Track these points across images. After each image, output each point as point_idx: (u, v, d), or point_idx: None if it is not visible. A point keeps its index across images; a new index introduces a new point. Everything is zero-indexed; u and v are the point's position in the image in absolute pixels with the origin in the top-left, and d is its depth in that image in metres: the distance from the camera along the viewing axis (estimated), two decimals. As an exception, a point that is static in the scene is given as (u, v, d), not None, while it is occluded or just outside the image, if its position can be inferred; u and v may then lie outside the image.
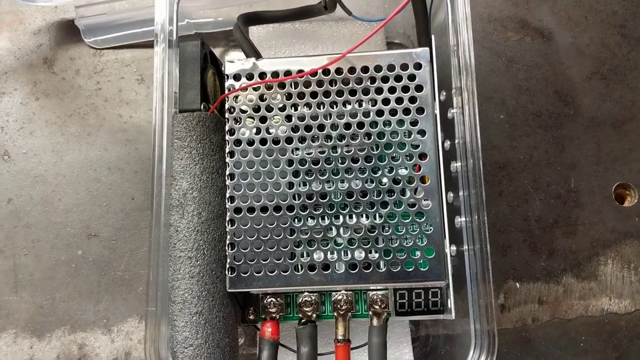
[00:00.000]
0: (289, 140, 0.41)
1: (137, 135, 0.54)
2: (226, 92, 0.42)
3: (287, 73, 0.42)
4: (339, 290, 0.42)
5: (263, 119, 0.42)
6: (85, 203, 0.53)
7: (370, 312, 0.42)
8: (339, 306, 0.42)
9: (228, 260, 0.41)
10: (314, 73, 0.42)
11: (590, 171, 0.54)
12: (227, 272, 0.41)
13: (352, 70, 0.42)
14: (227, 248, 0.41)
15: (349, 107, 0.41)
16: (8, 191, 0.54)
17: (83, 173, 0.54)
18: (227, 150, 0.42)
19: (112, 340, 0.51)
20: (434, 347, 0.48)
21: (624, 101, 0.55)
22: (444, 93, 0.44)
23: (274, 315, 0.43)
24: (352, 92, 0.42)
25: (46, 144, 0.55)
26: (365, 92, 0.41)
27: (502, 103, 0.55)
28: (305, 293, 0.42)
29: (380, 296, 0.42)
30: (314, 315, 0.42)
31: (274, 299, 0.43)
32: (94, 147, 0.54)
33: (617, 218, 0.53)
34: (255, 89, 0.42)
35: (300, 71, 0.42)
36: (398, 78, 0.41)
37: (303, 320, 0.42)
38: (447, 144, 0.43)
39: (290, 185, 0.41)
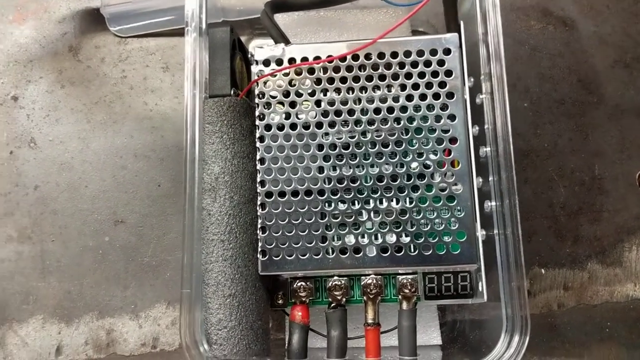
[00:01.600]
0: (319, 125, 0.42)
1: (163, 123, 0.55)
2: (255, 77, 0.43)
3: (316, 59, 0.42)
4: (369, 275, 0.42)
5: (293, 104, 0.42)
6: (112, 190, 0.54)
7: (400, 296, 0.42)
8: (368, 290, 0.42)
9: (260, 244, 0.41)
10: (343, 59, 0.42)
11: (615, 158, 0.54)
12: (259, 256, 0.41)
13: (381, 55, 0.42)
14: (258, 232, 0.41)
15: (378, 92, 0.42)
16: (35, 178, 0.54)
17: (109, 160, 0.54)
18: (257, 135, 0.42)
19: (140, 326, 0.51)
20: (460, 332, 0.48)
21: (648, 89, 0.55)
22: (472, 79, 0.44)
23: (303, 299, 0.43)
24: (382, 77, 0.42)
25: (72, 132, 0.55)
26: (395, 77, 0.42)
27: (525, 91, 0.55)
28: (335, 277, 0.43)
29: (409, 280, 0.42)
30: (344, 299, 0.43)
31: (303, 284, 0.43)
32: (120, 134, 0.55)
33: (641, 205, 0.53)
34: (284, 75, 0.42)
35: (329, 56, 0.42)
36: (427, 63, 0.42)
37: (333, 304, 0.43)
38: (475, 129, 0.43)
39: (321, 169, 0.41)
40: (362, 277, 0.43)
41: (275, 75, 0.42)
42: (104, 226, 0.53)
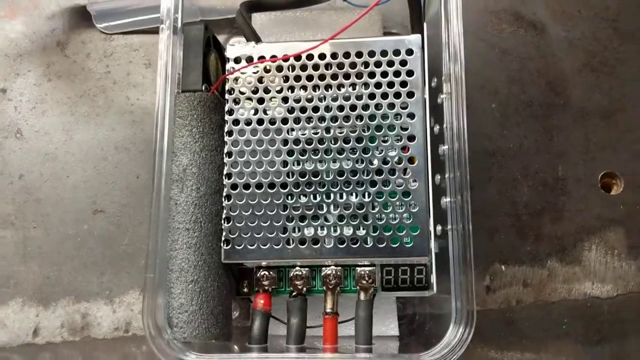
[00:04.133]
0: (284, 121, 0.43)
1: (143, 117, 0.56)
2: (227, 71, 0.44)
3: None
4: (329, 265, 0.44)
5: (261, 101, 0.44)
6: (93, 180, 0.55)
7: (358, 287, 0.44)
8: (328, 280, 0.44)
9: (224, 233, 0.42)
10: (310, 57, 0.43)
11: (578, 160, 0.55)
12: (222, 244, 0.42)
13: (346, 55, 0.43)
14: (223, 222, 0.42)
15: (342, 90, 0.43)
16: (20, 167, 0.56)
17: (91, 152, 0.56)
18: (226, 129, 0.43)
19: (114, 311, 0.53)
20: (420, 324, 0.49)
21: (614, 93, 0.56)
22: (435, 80, 0.45)
23: (266, 288, 0.44)
24: (346, 76, 0.43)
25: (57, 124, 0.57)
26: (359, 76, 0.43)
27: (494, 93, 0.56)
28: (297, 267, 0.44)
29: (367, 272, 0.44)
30: (305, 288, 0.44)
31: (267, 273, 0.44)
32: (102, 127, 0.56)
33: (603, 206, 0.54)
34: (254, 72, 0.44)
35: (284, 55, 0.43)
36: (390, 63, 0.43)
37: (294, 293, 0.44)
38: (437, 128, 0.44)
39: (285, 163, 0.43)
40: (322, 268, 0.44)
41: (246, 72, 0.44)
42: (84, 215, 0.55)
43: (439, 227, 0.43)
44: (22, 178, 0.56)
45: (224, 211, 0.43)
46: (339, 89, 0.43)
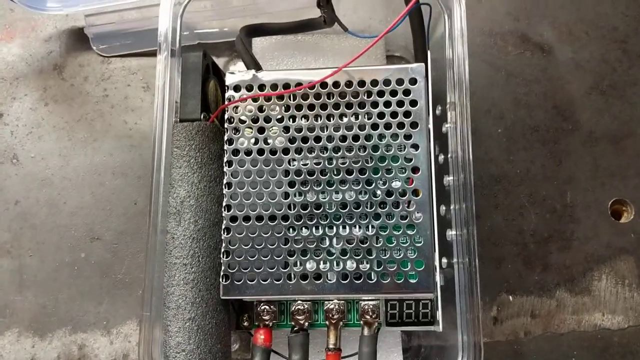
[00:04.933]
0: (285, 151, 0.42)
1: (141, 142, 0.56)
2: (226, 102, 0.43)
3: (286, 85, 0.43)
4: (332, 300, 0.43)
5: (261, 130, 0.43)
6: (90, 207, 0.55)
7: (362, 322, 0.43)
8: (330, 315, 0.43)
9: (222, 268, 0.41)
10: (312, 86, 0.42)
11: (587, 186, 0.54)
12: (221, 280, 0.41)
13: (349, 84, 0.42)
14: (221, 256, 0.41)
15: (345, 119, 0.42)
16: (16, 193, 0.55)
17: (88, 177, 0.55)
18: (225, 159, 0.42)
19: (111, 342, 0.52)
20: (425, 358, 0.48)
21: (623, 116, 0.55)
22: (440, 108, 0.44)
23: (267, 322, 0.43)
24: (349, 105, 0.42)
25: (53, 149, 0.56)
26: (362, 105, 0.42)
27: (500, 117, 0.55)
28: (298, 301, 0.43)
29: (371, 306, 0.43)
30: (307, 323, 0.43)
31: (267, 307, 0.43)
32: (100, 152, 0.56)
33: (613, 233, 0.53)
34: (254, 100, 0.43)
35: (298, 84, 0.43)
36: (393, 93, 0.42)
37: (295, 328, 0.43)
38: (442, 157, 0.43)
39: (286, 195, 0.42)
40: (325, 302, 0.43)
41: (246, 101, 0.43)
42: (80, 242, 0.54)
43: (444, 260, 0.42)
44: (18, 204, 0.55)
45: (223, 245, 0.42)
46: (342, 119, 0.42)
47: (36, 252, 0.54)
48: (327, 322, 0.43)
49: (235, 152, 0.43)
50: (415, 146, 0.41)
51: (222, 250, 0.42)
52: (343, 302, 0.43)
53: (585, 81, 0.56)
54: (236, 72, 0.44)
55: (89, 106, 0.57)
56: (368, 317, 0.43)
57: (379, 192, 0.41)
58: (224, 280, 0.41)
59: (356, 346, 0.43)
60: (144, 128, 0.56)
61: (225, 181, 0.42)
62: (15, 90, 0.57)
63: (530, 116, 0.55)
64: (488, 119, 0.55)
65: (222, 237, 0.42)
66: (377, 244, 0.41)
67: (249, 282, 0.41)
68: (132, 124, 0.56)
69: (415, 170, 0.41)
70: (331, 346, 0.43)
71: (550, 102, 0.55)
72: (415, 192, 0.41)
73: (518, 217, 0.53)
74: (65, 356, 0.52)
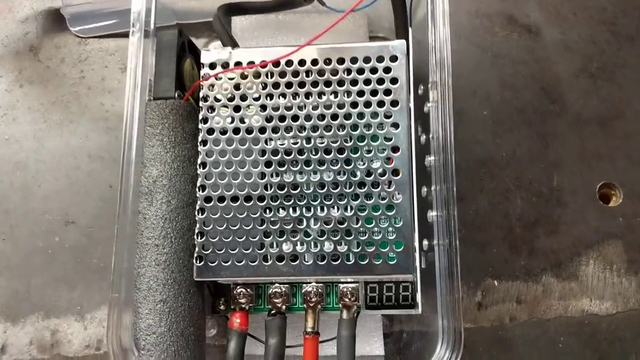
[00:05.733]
0: (262, 130, 0.41)
1: (118, 124, 0.54)
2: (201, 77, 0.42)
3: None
4: (310, 282, 0.42)
5: (237, 108, 0.42)
6: (65, 190, 0.53)
7: (341, 305, 0.42)
8: (309, 298, 0.42)
9: (196, 249, 0.40)
10: (289, 63, 0.41)
11: (575, 169, 0.53)
12: (194, 261, 0.40)
13: (328, 61, 0.41)
14: (195, 237, 0.40)
15: (323, 98, 0.41)
16: None
17: (64, 160, 0.54)
18: (199, 138, 0.41)
19: (85, 327, 0.51)
20: (407, 343, 0.47)
21: (612, 98, 0.54)
22: (422, 87, 0.43)
23: (243, 305, 0.42)
24: (327, 83, 0.41)
25: (28, 131, 0.55)
26: (340, 83, 0.41)
27: (486, 99, 0.54)
28: (276, 284, 0.42)
29: (350, 289, 0.42)
30: (284, 306, 0.42)
31: (244, 290, 0.43)
32: (76, 134, 0.55)
33: (601, 218, 0.52)
34: (230, 78, 0.42)
35: (263, 61, 0.41)
36: (374, 70, 0.41)
37: (273, 312, 0.42)
38: (423, 138, 0.42)
39: (263, 175, 0.41)
40: (303, 285, 0.42)
41: (221, 79, 0.42)
42: (54, 226, 0.53)
43: (425, 242, 0.42)
44: None
45: (197, 225, 0.41)
46: (320, 97, 0.41)
47: (9, 236, 0.53)
48: (305, 306, 0.42)
49: (210, 131, 0.41)
50: (395, 125, 0.40)
51: (196, 231, 0.40)
52: (321, 284, 0.42)
53: (573, 63, 0.55)
54: (212, 49, 0.43)
55: (65, 88, 0.56)
56: (347, 299, 0.42)
57: (358, 172, 0.40)
58: (197, 261, 0.40)
59: (335, 331, 0.42)
60: (120, 110, 0.53)
61: (199, 161, 0.41)
62: (-10, 72, 0.56)
63: (516, 98, 0.54)
64: (474, 101, 0.53)
65: (197, 218, 0.41)
66: (355, 224, 0.40)
67: (223, 263, 0.40)
68: (108, 106, 0.55)
69: (395, 149, 0.40)
70: (309, 330, 0.42)
71: (537, 83, 0.54)
72: (395, 172, 0.40)
73: (504, 201, 0.52)
74: (38, 341, 0.51)
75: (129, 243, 0.40)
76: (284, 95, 0.41)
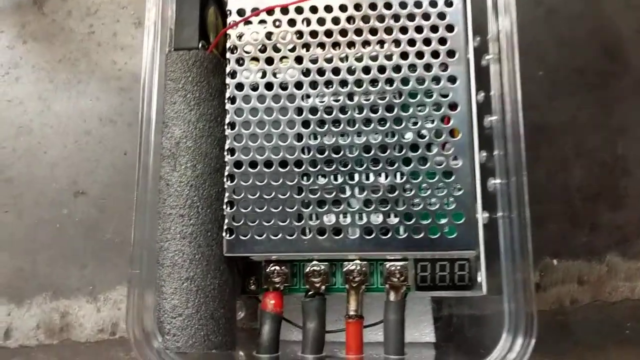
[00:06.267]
0: (298, 85, 0.38)
1: (132, 84, 0.52)
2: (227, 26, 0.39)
3: (298, 8, 0.38)
4: (352, 260, 0.39)
5: (269, 61, 0.38)
6: (73, 157, 0.51)
7: (387, 286, 0.39)
8: (351, 277, 0.39)
9: (226, 221, 0.37)
10: (329, 9, 0.38)
11: (641, 136, 0.50)
12: (224, 234, 0.37)
13: (373, 6, 0.38)
14: (225, 207, 0.37)
15: (368, 48, 0.38)
16: None
17: (72, 124, 0.52)
18: (227, 95, 0.38)
19: (98, 310, 0.49)
20: (458, 328, 0.44)
21: (681, 58, 0.51)
22: (478, 39, 0.40)
23: (277, 285, 0.39)
24: (373, 31, 0.38)
25: (32, 92, 0.53)
26: (388, 31, 0.37)
27: (541, 58, 0.50)
28: (314, 262, 0.39)
29: (399, 268, 0.38)
30: (323, 287, 0.39)
31: (278, 268, 0.39)
32: (85, 95, 0.52)
33: (671, 188, 0.49)
34: (261, 22, 0.38)
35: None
36: (426, 16, 0.37)
37: (310, 293, 0.39)
38: (480, 95, 0.39)
39: (299, 137, 0.37)
40: (344, 263, 0.39)
41: (250, 27, 0.38)
42: (62, 197, 0.50)
43: (484, 214, 0.37)
44: None
45: (226, 194, 0.37)
46: (364, 47, 0.38)
47: (12, 208, 0.51)
48: (346, 286, 0.39)
49: (239, 86, 0.38)
50: (452, 79, 0.37)
51: (226, 200, 0.37)
52: (365, 262, 0.39)
53: (636, 18, 0.51)
54: (240, -5, 0.39)
55: (72, 44, 0.53)
56: (395, 279, 0.38)
57: (409, 133, 0.37)
58: (227, 234, 0.37)
59: (379, 314, 0.39)
60: (134, 69, 0.52)
61: (227, 120, 0.38)
62: (-11, 26, 0.54)
63: (574, 57, 0.50)
64: (527, 60, 0.48)
65: (225, 186, 0.37)
66: (407, 193, 0.36)
67: (256, 237, 0.37)
68: (121, 64, 0.53)
69: (452, 106, 0.37)
70: (352, 313, 0.39)
71: (597, 42, 0.51)
72: (452, 133, 0.36)
73: (562, 171, 0.49)
74: (46, 325, 0.49)
75: (151, 213, 0.37)
76: (322, 46, 0.38)
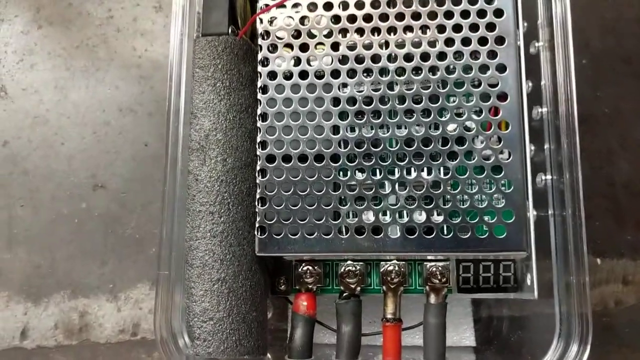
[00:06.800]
0: (335, 73, 0.36)
1: (153, 72, 0.51)
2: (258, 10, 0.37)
3: None
4: (390, 260, 0.37)
5: (304, 47, 0.36)
6: (92, 149, 0.50)
7: (427, 287, 0.37)
8: (389, 279, 0.37)
9: (258, 218, 0.35)
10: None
11: (692, 128, 0.48)
12: (256, 233, 0.35)
13: (415, -12, 0.36)
14: (257, 203, 0.36)
15: (410, 34, 0.35)
16: (4, 132, 0.51)
17: (90, 114, 0.51)
18: (259, 84, 0.36)
19: (119, 309, 0.48)
20: (497, 331, 0.43)
21: None
22: (525, 24, 0.38)
23: (310, 286, 0.38)
24: (416, 16, 0.36)
25: (49, 80, 0.51)
26: (432, 16, 0.35)
27: (584, 45, 0.49)
28: (349, 262, 0.37)
29: (440, 268, 0.37)
30: (358, 288, 0.37)
31: (310, 268, 0.38)
32: (103, 84, 0.51)
33: None
34: (295, 11, 0.36)
35: None
36: (473, 0, 0.35)
37: (345, 294, 0.38)
38: (529, 85, 0.37)
39: (336, 129, 0.36)
40: (381, 263, 0.37)
41: (283, 11, 0.37)
42: (81, 191, 0.49)
43: (534, 212, 0.36)
44: (7, 145, 0.51)
45: (258, 190, 0.36)
46: (406, 33, 0.36)
47: (29, 201, 0.50)
48: (383, 288, 0.38)
49: (272, 74, 0.37)
50: (501, 67, 0.35)
51: (258, 196, 0.36)
52: (404, 263, 0.37)
53: None
54: (272, -25, 0.38)
55: (90, 30, 0.52)
56: (436, 281, 0.37)
57: (454, 125, 0.35)
58: (259, 233, 0.35)
59: (417, 317, 0.38)
60: (155, 56, 0.51)
61: (259, 111, 0.36)
62: (3, 10, 0.53)
63: (620, 45, 0.49)
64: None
65: (257, 181, 0.36)
66: (452, 190, 0.34)
67: (290, 236, 0.35)
68: (141, 51, 0.51)
69: (501, 97, 0.34)
70: (389, 316, 0.37)
71: None
72: (500, 126, 0.34)
73: (607, 165, 0.47)
74: (64, 325, 0.48)
75: (179, 210, 0.36)
76: (361, 31, 0.36)
